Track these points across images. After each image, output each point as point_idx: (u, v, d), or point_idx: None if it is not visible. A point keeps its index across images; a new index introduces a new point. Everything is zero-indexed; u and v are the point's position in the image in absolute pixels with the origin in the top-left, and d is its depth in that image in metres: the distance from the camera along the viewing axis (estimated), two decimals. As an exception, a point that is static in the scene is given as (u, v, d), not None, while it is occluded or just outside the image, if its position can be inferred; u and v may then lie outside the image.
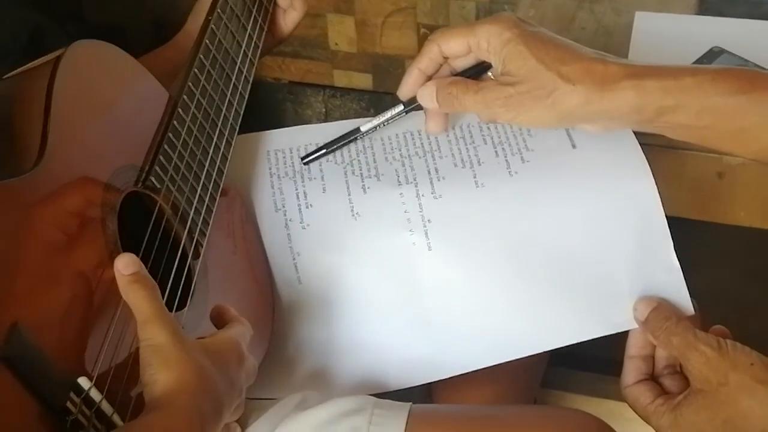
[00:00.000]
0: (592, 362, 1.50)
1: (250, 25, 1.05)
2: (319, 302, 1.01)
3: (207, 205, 0.92)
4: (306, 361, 1.02)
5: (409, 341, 1.00)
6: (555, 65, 0.87)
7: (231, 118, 0.98)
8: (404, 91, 0.99)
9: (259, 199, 1.05)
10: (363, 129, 1.04)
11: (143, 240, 0.84)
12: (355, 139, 1.05)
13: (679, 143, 0.96)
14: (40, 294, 0.72)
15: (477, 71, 0.95)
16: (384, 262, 0.99)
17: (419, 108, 0.99)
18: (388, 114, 1.02)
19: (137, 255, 0.81)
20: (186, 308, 0.86)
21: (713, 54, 1.12)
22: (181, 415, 0.72)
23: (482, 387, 1.09)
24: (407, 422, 0.93)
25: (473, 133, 1.04)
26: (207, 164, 0.93)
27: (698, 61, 1.12)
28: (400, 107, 1.01)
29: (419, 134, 1.06)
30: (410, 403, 0.96)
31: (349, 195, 1.01)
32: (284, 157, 1.07)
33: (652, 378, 0.95)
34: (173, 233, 0.88)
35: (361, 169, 1.04)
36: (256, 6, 1.06)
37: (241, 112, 1.01)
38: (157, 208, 0.87)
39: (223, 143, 0.96)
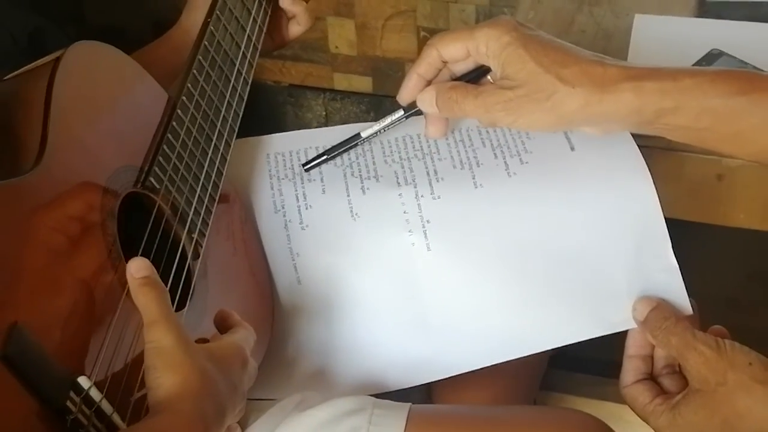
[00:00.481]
0: (592, 364, 1.50)
1: (249, 26, 1.05)
2: (319, 303, 1.01)
3: (206, 205, 0.92)
4: (305, 361, 1.02)
5: (408, 341, 1.00)
6: (554, 68, 0.87)
7: (230, 120, 0.99)
8: (404, 96, 0.99)
9: (258, 200, 1.05)
10: (364, 135, 1.04)
11: (143, 240, 0.84)
12: (356, 144, 1.04)
13: (678, 145, 0.96)
14: (40, 293, 0.72)
15: (476, 75, 0.95)
16: (383, 262, 1.00)
17: (419, 113, 0.99)
18: (389, 119, 1.02)
19: (137, 255, 0.81)
20: (185, 308, 0.86)
21: (712, 56, 1.12)
22: (185, 418, 0.73)
23: (482, 387, 1.09)
24: (407, 422, 0.93)
25: (472, 137, 1.05)
26: (206, 165, 0.93)
27: (697, 63, 1.12)
28: (401, 112, 1.01)
29: (418, 138, 1.06)
30: (410, 403, 0.96)
31: (349, 196, 1.02)
32: (284, 160, 1.07)
33: (651, 378, 0.95)
34: (173, 234, 0.88)
35: (360, 171, 1.04)
36: (255, 8, 1.06)
37: (240, 114, 1.01)
38: (156, 208, 0.87)
39: (222, 144, 0.96)
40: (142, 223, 0.86)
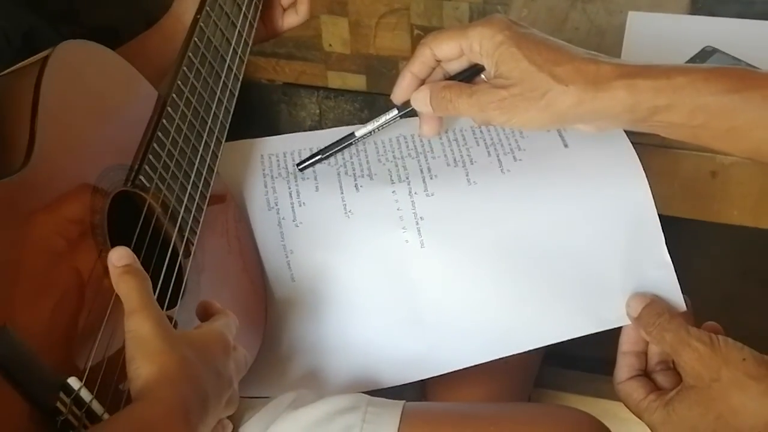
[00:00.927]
0: (587, 362, 1.50)
1: (240, 22, 1.05)
2: (312, 300, 1.01)
3: (197, 203, 0.92)
4: (299, 359, 1.02)
5: (402, 338, 1.00)
6: (547, 66, 0.87)
7: (221, 116, 0.98)
8: (398, 96, 0.99)
9: (252, 198, 1.05)
10: (358, 134, 1.03)
11: (133, 239, 0.84)
12: (350, 144, 1.04)
13: (672, 142, 0.96)
14: (28, 294, 0.72)
15: (470, 74, 0.95)
16: (377, 259, 0.99)
17: (413, 113, 0.99)
18: (383, 119, 1.01)
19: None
20: (177, 306, 0.86)
21: (706, 53, 1.12)
22: (164, 405, 0.72)
23: (476, 385, 1.09)
24: (401, 420, 0.93)
25: (466, 136, 1.05)
26: (197, 162, 0.93)
27: (691, 60, 1.12)
28: (395, 112, 1.00)
29: (412, 138, 1.06)
30: (404, 401, 0.96)
31: (342, 193, 1.01)
32: (278, 161, 1.07)
33: (645, 374, 0.95)
34: (163, 232, 0.88)
35: (354, 170, 1.04)
36: (245, 3, 1.06)
37: (231, 110, 1.00)
38: (146, 206, 0.86)
39: (213, 141, 0.96)
40: (133, 222, 0.86)
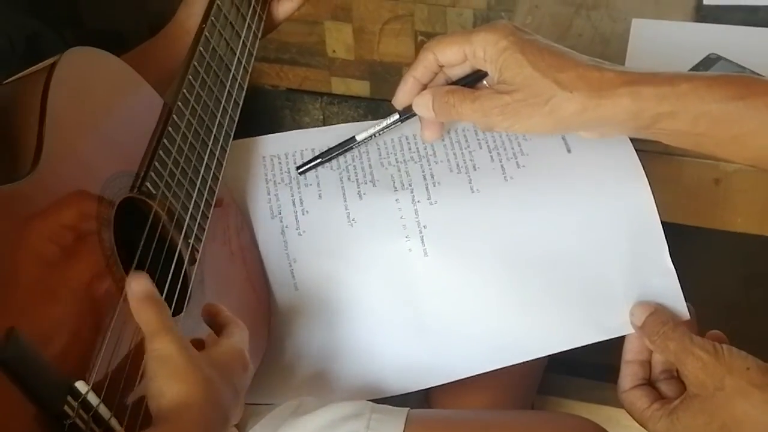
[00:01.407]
0: (589, 369, 1.50)
1: (244, 32, 1.05)
2: (316, 308, 1.01)
3: (202, 210, 0.92)
4: (303, 366, 1.02)
5: (405, 346, 1.00)
6: (551, 72, 0.87)
7: (225, 125, 0.99)
8: (399, 100, 0.99)
9: (255, 206, 1.05)
10: (359, 138, 1.03)
11: (139, 246, 0.84)
12: (351, 148, 1.04)
13: (675, 149, 0.96)
14: (37, 299, 0.72)
15: (473, 79, 0.95)
16: (380, 268, 0.99)
17: (415, 116, 0.99)
18: (384, 123, 1.01)
19: (133, 260, 0.81)
20: (182, 314, 0.86)
21: (710, 61, 1.12)
22: (190, 428, 0.72)
23: (479, 393, 1.09)
24: (405, 427, 0.93)
25: (468, 138, 1.04)
26: (202, 170, 0.93)
27: (695, 68, 1.12)
28: (396, 116, 1.00)
29: (414, 139, 1.06)
30: (408, 408, 0.96)
31: (345, 201, 1.01)
32: (280, 163, 1.07)
33: (649, 383, 0.95)
34: (169, 239, 0.88)
35: (356, 175, 1.04)
36: (249, 14, 1.06)
37: (236, 119, 1.01)
38: (152, 213, 0.87)
39: (218, 149, 0.96)
40: (139, 229, 0.86)
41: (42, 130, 0.77)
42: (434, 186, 1.01)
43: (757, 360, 0.87)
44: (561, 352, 0.99)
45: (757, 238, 1.09)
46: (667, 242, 0.97)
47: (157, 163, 0.87)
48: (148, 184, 0.86)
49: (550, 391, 1.50)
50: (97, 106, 0.87)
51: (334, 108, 1.80)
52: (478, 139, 1.04)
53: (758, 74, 1.10)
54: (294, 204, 1.03)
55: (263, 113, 1.80)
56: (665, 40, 1.19)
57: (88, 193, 0.81)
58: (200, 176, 0.93)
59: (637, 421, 0.93)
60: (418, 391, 1.02)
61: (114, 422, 0.74)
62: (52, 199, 0.77)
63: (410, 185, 1.01)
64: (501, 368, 0.99)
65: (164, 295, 0.83)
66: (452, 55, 0.94)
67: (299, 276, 1.01)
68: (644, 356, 0.95)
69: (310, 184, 1.04)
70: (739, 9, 1.22)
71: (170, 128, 0.90)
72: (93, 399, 0.72)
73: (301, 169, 1.04)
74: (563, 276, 0.98)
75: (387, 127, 1.01)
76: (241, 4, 1.05)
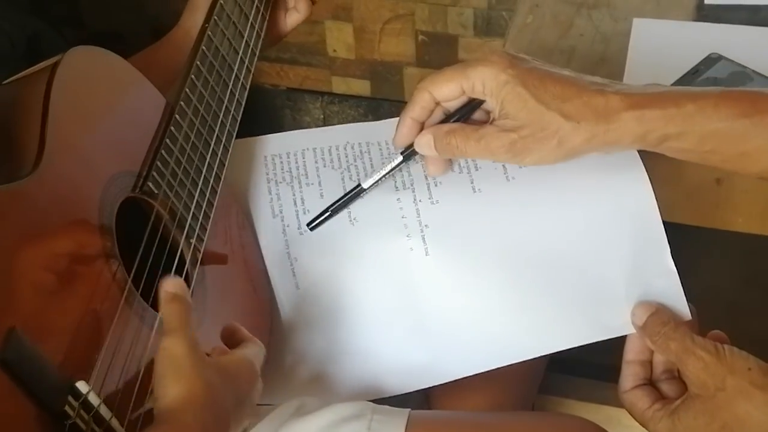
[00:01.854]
0: (590, 368, 1.50)
1: (247, 31, 1.05)
2: (317, 308, 1.01)
3: (204, 210, 0.92)
4: (304, 366, 1.02)
5: (406, 346, 1.00)
6: (555, 103, 0.87)
7: (228, 125, 0.99)
8: (399, 141, 0.97)
9: (256, 205, 1.05)
10: (365, 185, 1.00)
11: (141, 245, 0.84)
12: (360, 196, 1.01)
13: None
14: (37, 299, 0.72)
15: (470, 109, 0.94)
16: (381, 267, 0.99)
17: (417, 154, 0.97)
18: (389, 167, 0.98)
19: (134, 260, 0.81)
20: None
21: (711, 60, 1.12)
22: (186, 430, 0.73)
23: (480, 393, 1.09)
24: (406, 428, 0.93)
25: (470, 139, 1.04)
26: (204, 170, 0.93)
27: (696, 67, 1.12)
28: (399, 158, 0.98)
29: (431, 176, 1.05)
30: (409, 409, 0.96)
31: (347, 200, 1.01)
32: (281, 162, 1.07)
33: (650, 383, 0.95)
34: (171, 239, 0.88)
35: (358, 174, 1.04)
36: (252, 13, 1.06)
37: (238, 118, 1.01)
38: (154, 213, 0.87)
39: (221, 149, 0.96)
40: (141, 229, 0.86)
41: (44, 130, 0.78)
42: (436, 186, 1.01)
43: (759, 360, 0.87)
44: (562, 352, 0.98)
45: (759, 238, 1.08)
46: (668, 242, 0.97)
47: (159, 163, 0.88)
48: (149, 184, 0.86)
49: (550, 390, 1.50)
50: (100, 106, 0.87)
51: (334, 107, 1.80)
52: None
53: (759, 73, 1.10)
54: (295, 203, 1.03)
55: (264, 112, 1.80)
56: (666, 40, 1.19)
57: (89, 193, 0.81)
58: (202, 176, 0.93)
59: (638, 422, 0.93)
60: (419, 391, 1.02)
61: (115, 422, 0.74)
62: (53, 199, 0.77)
63: (412, 184, 1.01)
64: (501, 368, 0.99)
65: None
66: (449, 92, 0.92)
67: (300, 275, 1.01)
68: (645, 356, 0.95)
69: (312, 183, 1.04)
70: (740, 8, 1.22)
71: (172, 128, 0.90)
72: (94, 399, 0.73)
73: (311, 225, 1.02)
74: (564, 275, 0.97)
75: (392, 170, 0.99)
76: (244, 3, 1.05)
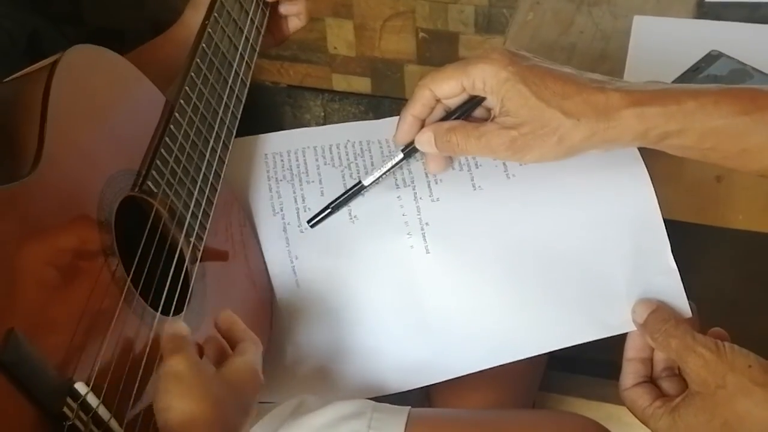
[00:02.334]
0: (591, 366, 1.49)
1: (247, 28, 1.05)
2: (318, 305, 1.01)
3: (204, 209, 0.92)
4: (304, 364, 1.02)
5: (407, 344, 1.00)
6: (556, 100, 0.87)
7: (228, 122, 0.98)
8: (400, 139, 0.97)
9: (257, 203, 1.05)
10: (366, 183, 1.00)
11: (140, 244, 0.84)
12: (360, 193, 1.01)
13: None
14: (36, 299, 0.72)
15: (471, 106, 0.94)
16: (382, 265, 0.99)
17: (418, 151, 0.97)
18: (390, 164, 0.99)
19: (134, 259, 0.81)
20: (183, 312, 0.86)
21: (711, 58, 1.12)
22: None
23: (480, 390, 1.09)
24: (406, 426, 0.93)
25: (471, 137, 1.04)
26: (204, 168, 0.93)
27: (696, 64, 1.12)
28: (400, 155, 0.98)
29: (431, 173, 1.05)
30: (409, 406, 0.96)
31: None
32: (282, 160, 1.07)
33: (651, 380, 0.95)
34: (170, 237, 0.88)
35: (358, 172, 1.04)
36: (252, 10, 1.06)
37: (239, 116, 1.01)
38: (153, 212, 0.87)
39: (220, 147, 0.96)
40: (140, 227, 0.86)
41: (43, 129, 0.78)
42: (436, 183, 1.01)
43: (759, 358, 0.87)
44: (562, 349, 0.98)
45: (759, 235, 1.08)
46: (669, 239, 0.97)
47: (158, 162, 0.87)
48: (149, 183, 0.86)
49: (551, 388, 1.50)
50: (99, 104, 0.87)
51: (335, 105, 1.80)
52: None
53: (759, 70, 1.10)
54: (296, 201, 1.03)
55: (264, 110, 1.80)
56: (667, 37, 1.19)
57: (89, 192, 0.81)
58: (202, 174, 0.93)
59: (639, 419, 0.93)
60: (420, 389, 1.02)
61: (114, 423, 0.74)
62: (53, 199, 0.77)
63: (412, 182, 1.01)
64: (502, 365, 0.99)
65: (165, 293, 0.83)
66: (449, 89, 0.92)
67: (301, 273, 1.01)
68: (646, 354, 0.95)
69: (312, 181, 1.04)
70: (740, 6, 1.22)
71: (172, 126, 0.90)
72: (92, 400, 0.73)
73: (311, 222, 1.02)
74: (565, 273, 0.97)
75: (393, 167, 0.99)
76: (244, 0, 1.05)
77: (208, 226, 0.92)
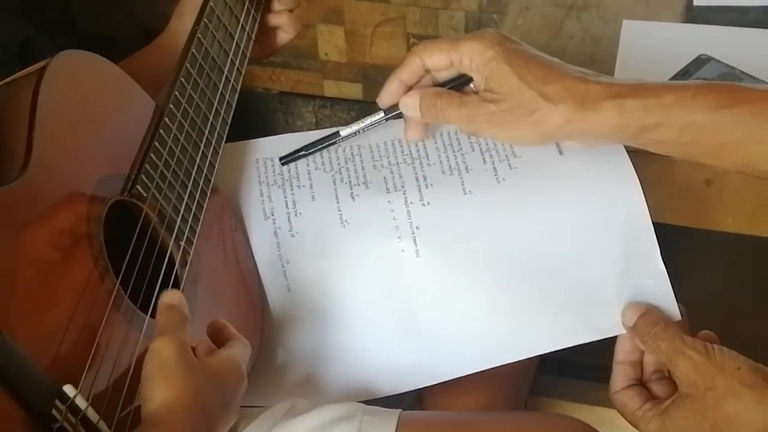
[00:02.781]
0: (582, 369, 1.50)
1: (237, 34, 1.05)
2: (309, 309, 1.01)
3: (194, 213, 0.92)
4: (295, 368, 1.02)
5: (398, 347, 1.00)
6: (537, 84, 0.88)
7: (218, 127, 0.99)
8: (384, 100, 1.00)
9: (248, 207, 1.05)
10: (343, 134, 1.04)
11: (129, 249, 0.84)
12: (335, 143, 1.05)
13: (666, 151, 0.96)
14: (25, 302, 0.72)
15: (459, 83, 0.96)
16: (373, 269, 0.99)
17: (399, 116, 1.00)
18: (368, 120, 1.02)
19: (123, 263, 0.81)
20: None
21: (700, 61, 1.13)
22: None
23: (472, 393, 1.09)
24: (397, 429, 0.93)
25: (461, 140, 1.05)
26: (194, 172, 0.93)
27: (685, 68, 1.12)
28: (381, 114, 1.01)
29: (407, 141, 1.06)
30: (400, 409, 0.96)
31: (338, 203, 1.02)
32: (272, 165, 1.07)
33: (641, 383, 0.95)
34: (160, 241, 0.88)
35: (349, 177, 1.04)
36: (243, 15, 1.06)
37: (229, 121, 1.01)
38: (143, 216, 0.87)
39: (210, 152, 0.96)
40: (130, 232, 0.86)
41: (32, 134, 0.78)
42: (427, 187, 1.01)
43: (748, 360, 0.87)
44: (553, 353, 0.99)
45: (748, 238, 1.09)
46: (658, 242, 0.97)
47: (147, 166, 0.88)
48: (138, 187, 0.86)
49: (542, 391, 1.50)
50: (88, 109, 0.87)
51: (326, 111, 1.80)
52: (470, 141, 1.04)
53: (748, 74, 1.10)
54: (287, 205, 1.04)
55: (256, 116, 1.80)
56: (656, 42, 1.19)
57: (78, 197, 0.81)
58: (192, 178, 0.93)
59: (629, 422, 0.93)
60: (411, 392, 1.02)
61: (102, 426, 0.74)
62: (41, 203, 0.77)
63: (403, 187, 1.02)
64: (493, 369, 0.99)
65: (154, 297, 0.83)
66: (438, 61, 0.95)
67: (292, 277, 1.01)
68: (636, 357, 0.96)
69: (303, 186, 1.05)
70: (729, 10, 1.22)
71: (161, 131, 0.90)
72: (81, 403, 0.73)
73: (284, 160, 1.05)
74: (555, 277, 0.98)
75: (372, 124, 1.02)
76: (234, 6, 1.05)
77: (198, 230, 0.92)
